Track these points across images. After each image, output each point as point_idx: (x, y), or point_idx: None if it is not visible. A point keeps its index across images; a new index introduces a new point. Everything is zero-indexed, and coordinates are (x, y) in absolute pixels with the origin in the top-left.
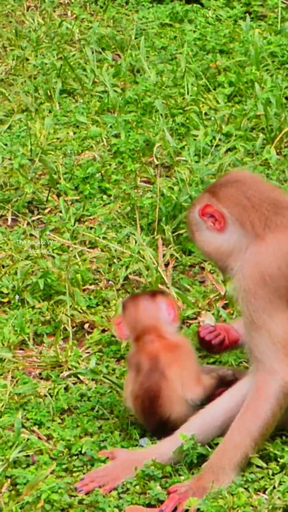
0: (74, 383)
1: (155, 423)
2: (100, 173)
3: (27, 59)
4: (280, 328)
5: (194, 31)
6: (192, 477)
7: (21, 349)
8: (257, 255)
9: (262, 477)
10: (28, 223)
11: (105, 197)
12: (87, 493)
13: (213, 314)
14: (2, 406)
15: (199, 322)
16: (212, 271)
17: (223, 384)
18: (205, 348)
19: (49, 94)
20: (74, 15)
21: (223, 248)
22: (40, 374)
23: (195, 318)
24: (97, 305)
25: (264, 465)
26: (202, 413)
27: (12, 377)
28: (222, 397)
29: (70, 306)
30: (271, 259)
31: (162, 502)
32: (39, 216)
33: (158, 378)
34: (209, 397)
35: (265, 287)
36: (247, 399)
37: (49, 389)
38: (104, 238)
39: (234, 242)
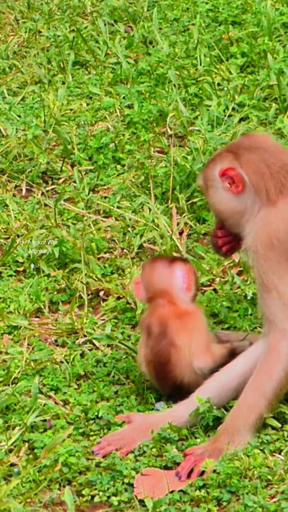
0: (89, 350)
1: (169, 387)
2: (113, 143)
3: (40, 32)
4: None
5: (207, 3)
6: (207, 440)
7: (37, 316)
8: (267, 219)
9: (278, 439)
10: (42, 193)
11: (119, 167)
12: (104, 456)
13: (227, 281)
14: (19, 372)
15: (214, 289)
16: None
17: (235, 354)
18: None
19: (62, 66)
20: None
21: (236, 210)
22: (56, 341)
23: (210, 285)
24: (112, 273)
25: (280, 426)
26: (217, 376)
27: (28, 344)
28: (237, 359)
29: (85, 274)
30: (279, 223)
31: (178, 464)
32: (53, 186)
33: (166, 343)
34: (220, 366)
35: (273, 249)
36: (260, 360)
37: (65, 355)
38: (118, 207)
39: (246, 205)
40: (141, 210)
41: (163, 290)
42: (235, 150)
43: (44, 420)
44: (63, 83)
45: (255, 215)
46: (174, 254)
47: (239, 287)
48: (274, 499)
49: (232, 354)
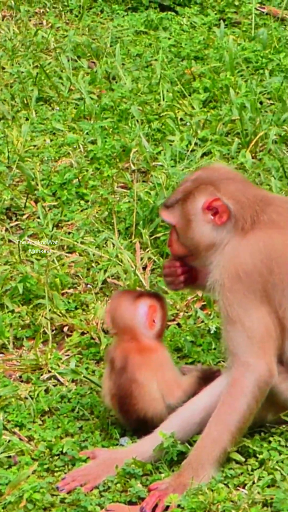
0: (54, 385)
1: (133, 421)
2: (77, 179)
3: (3, 68)
4: (255, 323)
5: (169, 38)
6: (172, 474)
7: (1, 352)
8: (234, 251)
9: (242, 473)
10: (6, 229)
11: (82, 202)
12: (68, 492)
13: (191, 315)
14: None
15: (177, 324)
16: None
17: (206, 379)
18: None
19: (25, 102)
20: (50, 24)
21: (212, 241)
22: (20, 377)
23: (173, 320)
24: (76, 308)
25: (243, 460)
26: (181, 411)
27: None
28: (200, 394)
29: (50, 310)
30: (247, 256)
31: (143, 499)
32: (17, 222)
33: (127, 378)
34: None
35: (240, 282)
36: (223, 393)
37: (30, 391)
38: (82, 242)
39: (222, 236)
40: (104, 245)
41: (126, 325)
42: (212, 182)
43: (9, 457)
44: (27, 119)
45: (223, 247)
46: (138, 289)
47: (202, 321)
48: None
49: (201, 380)
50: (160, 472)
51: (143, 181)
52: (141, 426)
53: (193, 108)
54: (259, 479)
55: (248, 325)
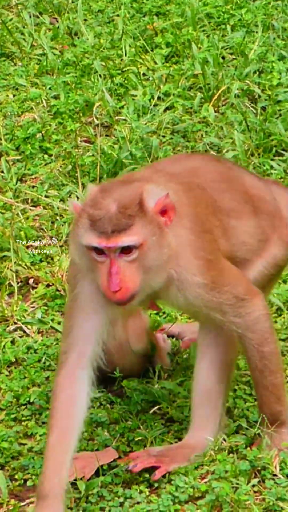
0: (20, 337)
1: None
2: (40, 133)
3: None
4: (231, 275)
5: None
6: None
7: None
8: (183, 242)
9: None
10: None
11: (46, 156)
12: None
13: None
14: None
15: None
16: None
17: None
18: None
19: None
20: None
21: (167, 245)
22: None
23: None
24: (41, 261)
25: None
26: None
27: None
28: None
29: (15, 263)
30: (191, 236)
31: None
32: None
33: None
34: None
35: (205, 260)
36: (248, 344)
37: None
38: (46, 196)
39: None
40: (69, 198)
41: None
42: (145, 178)
43: None
44: None
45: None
46: None
47: None
48: (205, 480)
49: None
50: (126, 420)
51: (106, 135)
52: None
53: (155, 63)
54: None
55: (228, 281)
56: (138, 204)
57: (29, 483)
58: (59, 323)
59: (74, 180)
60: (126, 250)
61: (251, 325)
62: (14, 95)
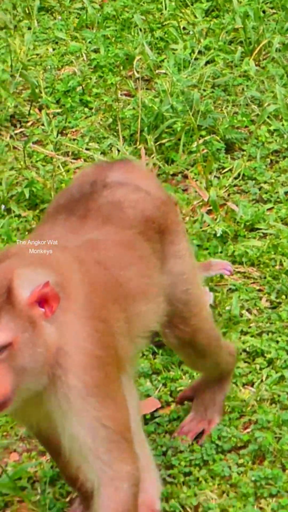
0: None
1: None
2: (81, 87)
3: None
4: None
5: None
6: None
7: None
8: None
9: (250, 372)
10: (11, 136)
11: (86, 110)
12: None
13: (197, 220)
14: None
15: None
16: (195, 179)
17: None
18: None
19: (27, 11)
20: None
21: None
22: None
23: None
24: None
25: (251, 359)
26: None
27: None
28: None
29: None
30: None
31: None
32: (21, 129)
33: None
34: None
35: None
36: None
37: None
38: (87, 149)
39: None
40: (109, 151)
41: None
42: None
43: None
44: (29, 28)
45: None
46: None
47: (208, 225)
48: (248, 430)
49: None
50: (168, 370)
51: (147, 89)
52: None
53: (195, 17)
54: (267, 377)
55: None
56: (6, 293)
57: None
58: None
59: (115, 133)
60: None
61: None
62: (54, 49)
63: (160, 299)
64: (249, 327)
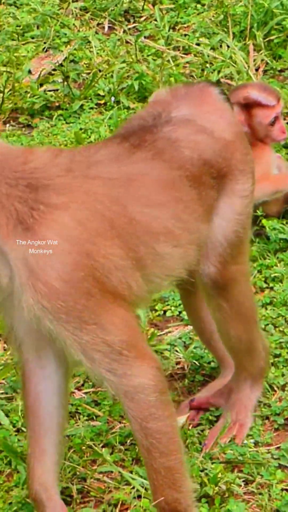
0: None
1: None
2: None
3: None
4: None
5: None
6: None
7: None
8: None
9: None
10: (124, 31)
11: (199, 6)
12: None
13: None
14: None
15: None
16: None
17: None
18: None
19: None
20: None
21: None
22: None
23: None
24: None
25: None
26: None
27: None
28: None
29: None
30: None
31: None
32: (134, 24)
33: None
34: None
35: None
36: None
37: None
38: (197, 44)
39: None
40: (219, 47)
41: None
42: None
43: None
44: None
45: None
46: None
47: None
48: None
49: None
50: (264, 258)
51: None
52: None
53: None
54: None
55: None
56: None
57: (168, 313)
58: None
59: (225, 29)
60: None
61: (130, 391)
62: None
63: (191, 246)
64: None
